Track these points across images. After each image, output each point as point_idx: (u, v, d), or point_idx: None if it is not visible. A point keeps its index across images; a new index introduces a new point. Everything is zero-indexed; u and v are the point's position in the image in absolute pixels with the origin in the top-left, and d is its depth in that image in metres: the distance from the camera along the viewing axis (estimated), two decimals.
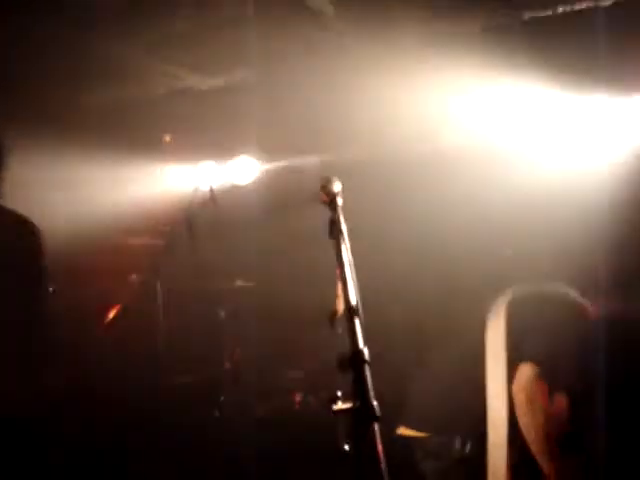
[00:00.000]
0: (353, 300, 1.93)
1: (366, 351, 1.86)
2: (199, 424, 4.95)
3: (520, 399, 2.87)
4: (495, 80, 4.87)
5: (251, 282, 5.48)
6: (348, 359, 1.85)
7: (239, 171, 6.36)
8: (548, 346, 2.90)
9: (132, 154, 5.95)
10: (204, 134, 6.05)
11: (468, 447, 3.02)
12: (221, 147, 6.13)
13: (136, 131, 5.97)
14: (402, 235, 5.36)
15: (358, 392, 1.81)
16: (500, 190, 4.57)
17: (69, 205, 5.70)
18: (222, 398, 4.17)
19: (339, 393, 1.88)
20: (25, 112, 5.56)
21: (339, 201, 2.13)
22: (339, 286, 1.97)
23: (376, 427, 1.78)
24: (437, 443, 3.06)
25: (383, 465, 1.80)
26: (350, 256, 2.00)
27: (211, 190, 4.58)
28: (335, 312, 2.69)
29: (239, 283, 5.44)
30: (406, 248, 5.34)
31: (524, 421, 2.87)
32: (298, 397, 5.14)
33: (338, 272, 1.98)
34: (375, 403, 1.80)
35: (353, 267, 2.00)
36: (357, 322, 1.90)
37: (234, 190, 6.18)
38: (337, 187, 2.18)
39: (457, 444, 3.03)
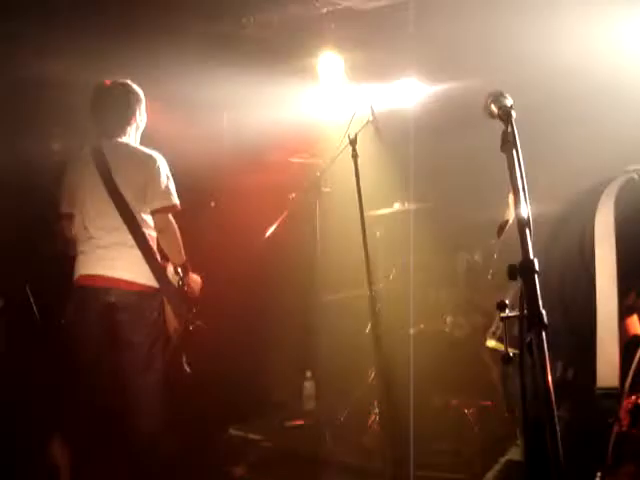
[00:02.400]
0: (524, 211, 1.93)
1: (536, 261, 1.86)
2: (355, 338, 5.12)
3: None
4: None
5: (412, 204, 5.52)
6: (518, 268, 1.87)
7: (402, 93, 6.34)
8: None
9: (292, 74, 6.04)
10: (367, 55, 6.04)
11: (570, 373, 2.71)
12: (383, 68, 6.11)
13: (297, 51, 6.04)
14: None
15: (527, 300, 1.83)
16: None
17: (233, 124, 5.86)
18: (373, 292, 4.23)
19: (507, 301, 1.92)
20: (191, 36, 5.76)
21: (513, 114, 2.11)
22: (510, 197, 1.98)
23: (544, 335, 1.80)
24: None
25: (549, 375, 1.81)
26: (523, 168, 2.00)
27: (371, 109, 4.56)
28: (505, 222, 2.70)
29: (396, 204, 5.50)
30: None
31: None
32: (448, 319, 5.17)
33: (510, 184, 1.98)
34: (543, 311, 1.81)
35: (525, 179, 2.00)
36: (527, 232, 1.91)
37: (397, 112, 6.18)
38: (509, 101, 2.17)
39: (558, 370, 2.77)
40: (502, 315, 1.89)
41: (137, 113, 4.45)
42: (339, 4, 5.69)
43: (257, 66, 5.88)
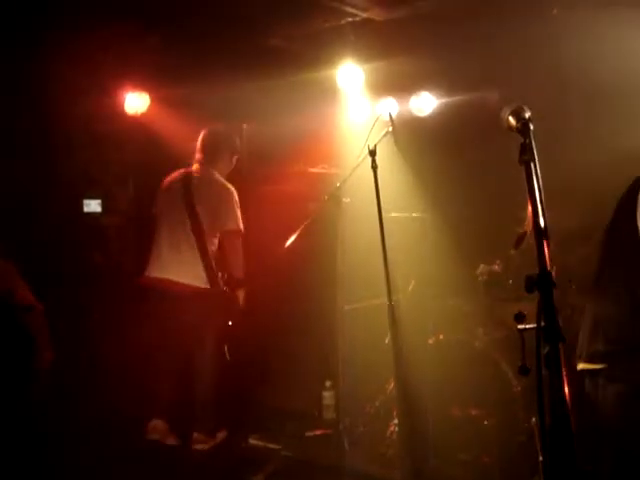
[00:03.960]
0: (542, 222, 1.94)
1: (553, 273, 1.88)
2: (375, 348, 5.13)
3: None
4: None
5: (425, 213, 5.55)
6: (535, 281, 1.88)
7: (419, 106, 6.36)
8: None
9: (312, 85, 6.07)
10: (386, 66, 6.06)
11: None
12: (403, 79, 6.12)
13: (317, 62, 6.07)
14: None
15: (545, 313, 1.83)
16: None
17: (253, 135, 5.89)
18: (392, 301, 4.28)
19: (524, 313, 1.93)
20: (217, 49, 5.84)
21: (531, 126, 2.12)
22: (529, 209, 1.99)
23: (561, 348, 1.81)
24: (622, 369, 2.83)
25: (566, 387, 1.82)
26: (540, 180, 2.01)
27: (391, 118, 4.59)
28: (523, 234, 2.70)
29: (414, 214, 5.51)
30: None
31: None
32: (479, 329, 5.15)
33: (528, 195, 1.99)
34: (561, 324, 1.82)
35: (542, 191, 2.01)
36: (544, 244, 1.92)
37: (414, 121, 6.20)
38: (527, 113, 2.18)
39: None
40: (519, 327, 1.90)
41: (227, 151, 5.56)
42: (359, 15, 5.72)
43: (278, 77, 5.93)
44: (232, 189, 5.40)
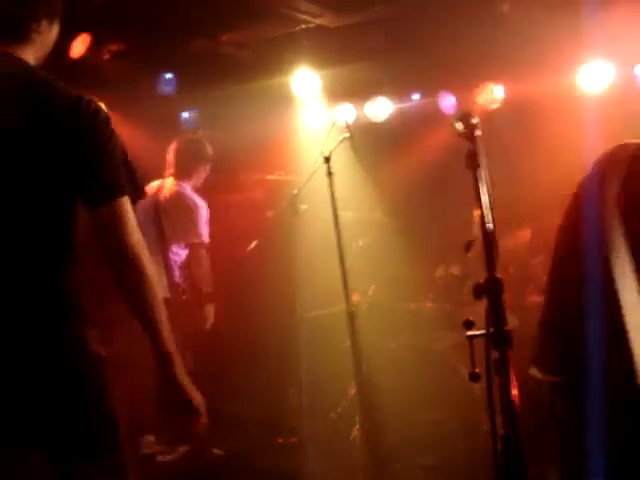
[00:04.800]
0: (490, 228, 1.95)
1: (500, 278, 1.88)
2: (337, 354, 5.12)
3: None
4: None
5: (384, 217, 5.57)
6: (483, 286, 1.88)
7: (375, 111, 6.38)
8: None
9: (268, 92, 6.06)
10: (341, 72, 6.07)
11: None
12: (358, 85, 6.14)
13: (272, 68, 6.06)
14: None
15: (493, 318, 1.84)
16: None
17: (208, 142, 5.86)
18: (352, 307, 4.31)
19: (472, 319, 1.93)
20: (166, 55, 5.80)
21: (477, 132, 2.12)
22: (476, 214, 1.99)
23: (509, 353, 1.81)
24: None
25: (514, 391, 1.83)
26: (488, 185, 2.01)
27: (347, 124, 4.60)
28: (472, 240, 2.71)
29: (373, 219, 5.53)
30: None
31: None
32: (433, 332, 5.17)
33: (476, 200, 1.99)
34: (508, 330, 1.83)
35: (491, 196, 2.01)
36: (493, 250, 1.92)
37: (370, 127, 6.22)
38: (475, 118, 2.18)
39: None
40: (468, 334, 1.90)
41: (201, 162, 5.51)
42: (312, 22, 5.73)
43: (232, 84, 5.91)
44: (200, 203, 5.43)
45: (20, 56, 2.35)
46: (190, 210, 5.42)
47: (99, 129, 2.29)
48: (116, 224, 2.24)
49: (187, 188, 5.51)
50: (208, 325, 5.47)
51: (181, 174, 5.50)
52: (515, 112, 5.76)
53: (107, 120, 2.32)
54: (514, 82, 5.87)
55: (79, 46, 5.57)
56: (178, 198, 5.48)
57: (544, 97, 5.32)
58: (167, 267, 5.38)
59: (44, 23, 2.41)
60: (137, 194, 2.33)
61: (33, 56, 2.40)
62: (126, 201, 2.27)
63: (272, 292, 5.74)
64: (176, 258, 5.45)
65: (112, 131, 2.32)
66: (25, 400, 2.17)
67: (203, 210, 5.44)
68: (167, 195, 5.50)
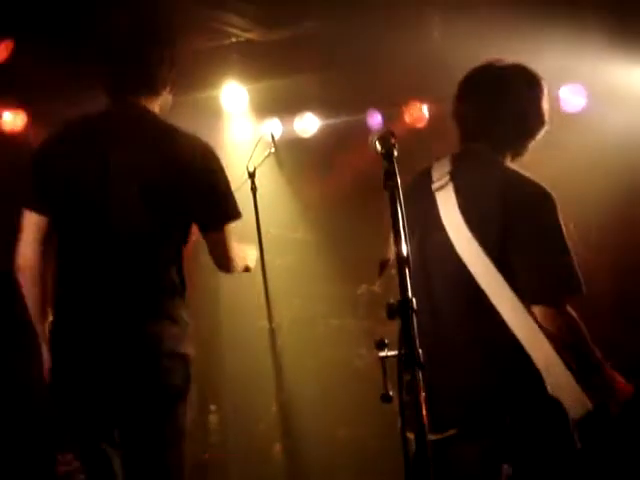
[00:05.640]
0: (404, 250, 1.96)
1: (414, 300, 1.89)
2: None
3: None
4: None
5: (306, 234, 5.58)
6: (396, 307, 1.89)
7: (302, 127, 6.39)
8: None
9: (195, 105, 6.01)
10: (269, 86, 6.06)
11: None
12: (286, 100, 6.14)
13: (200, 81, 6.01)
14: None
15: (404, 340, 1.85)
16: None
17: None
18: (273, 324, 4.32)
19: (386, 340, 1.93)
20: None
21: (394, 152, 2.14)
22: (391, 236, 2.00)
23: (420, 374, 1.82)
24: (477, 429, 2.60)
25: (424, 412, 1.84)
26: (402, 207, 2.02)
27: (273, 139, 4.60)
28: (386, 261, 2.73)
29: (297, 235, 5.53)
30: None
31: None
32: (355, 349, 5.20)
33: (391, 222, 2.00)
34: (420, 351, 1.83)
35: (405, 217, 2.02)
36: (407, 271, 1.93)
37: (297, 143, 6.22)
38: (393, 138, 2.19)
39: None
40: (381, 354, 1.91)
41: None
42: (241, 36, 5.71)
43: None
44: None
45: (148, 107, 2.88)
46: None
47: (216, 169, 2.84)
48: (224, 244, 2.86)
49: None
50: None
51: None
52: (440, 131, 5.82)
53: (219, 159, 2.87)
54: (440, 101, 5.95)
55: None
56: None
57: None
58: None
59: (170, 85, 2.97)
60: (237, 217, 2.90)
61: (158, 107, 2.93)
62: (231, 227, 2.87)
63: (194, 307, 5.67)
64: None
65: (223, 168, 2.86)
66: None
67: None
68: None
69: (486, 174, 2.72)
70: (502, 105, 2.78)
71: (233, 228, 2.86)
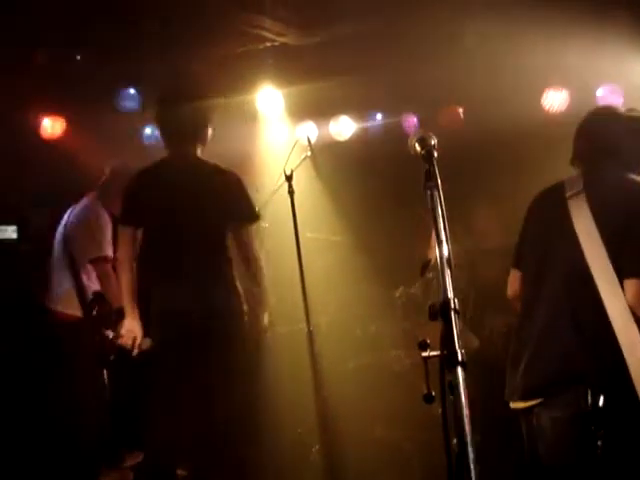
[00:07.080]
0: (445, 251, 1.95)
1: (455, 300, 1.89)
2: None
3: None
4: None
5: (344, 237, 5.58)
6: (438, 309, 1.89)
7: (338, 130, 6.41)
8: None
9: (232, 109, 6.05)
10: (304, 90, 6.08)
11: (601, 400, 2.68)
12: (321, 103, 6.16)
13: (236, 86, 6.05)
14: None
15: (446, 340, 1.84)
16: None
17: None
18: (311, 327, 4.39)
19: (428, 340, 1.94)
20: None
21: (434, 153, 2.13)
22: (432, 237, 1.99)
23: (461, 373, 1.82)
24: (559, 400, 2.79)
25: (466, 411, 1.83)
26: (444, 207, 2.02)
27: (309, 143, 4.63)
28: (428, 262, 2.73)
29: (334, 238, 5.53)
30: None
31: None
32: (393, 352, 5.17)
33: (432, 223, 2.00)
34: (462, 350, 1.83)
35: (446, 218, 2.02)
36: (448, 272, 1.93)
37: (333, 146, 6.23)
38: (433, 140, 2.19)
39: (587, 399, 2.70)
40: (423, 355, 1.91)
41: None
42: (276, 40, 5.74)
43: None
44: (104, 218, 5.32)
45: (194, 152, 4.29)
46: (89, 223, 5.31)
47: (243, 193, 4.29)
48: (251, 241, 4.29)
49: (97, 203, 5.41)
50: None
51: (103, 198, 5.41)
52: (476, 134, 5.80)
53: (244, 185, 4.30)
54: (475, 105, 5.94)
55: None
56: (80, 213, 5.42)
57: (504, 120, 5.37)
58: (78, 287, 5.27)
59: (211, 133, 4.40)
60: (256, 219, 4.37)
61: (200, 150, 4.33)
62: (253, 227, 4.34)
63: None
64: (86, 276, 5.35)
65: (246, 190, 4.30)
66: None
67: (105, 224, 5.31)
68: (76, 211, 5.46)
69: (615, 185, 2.93)
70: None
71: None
